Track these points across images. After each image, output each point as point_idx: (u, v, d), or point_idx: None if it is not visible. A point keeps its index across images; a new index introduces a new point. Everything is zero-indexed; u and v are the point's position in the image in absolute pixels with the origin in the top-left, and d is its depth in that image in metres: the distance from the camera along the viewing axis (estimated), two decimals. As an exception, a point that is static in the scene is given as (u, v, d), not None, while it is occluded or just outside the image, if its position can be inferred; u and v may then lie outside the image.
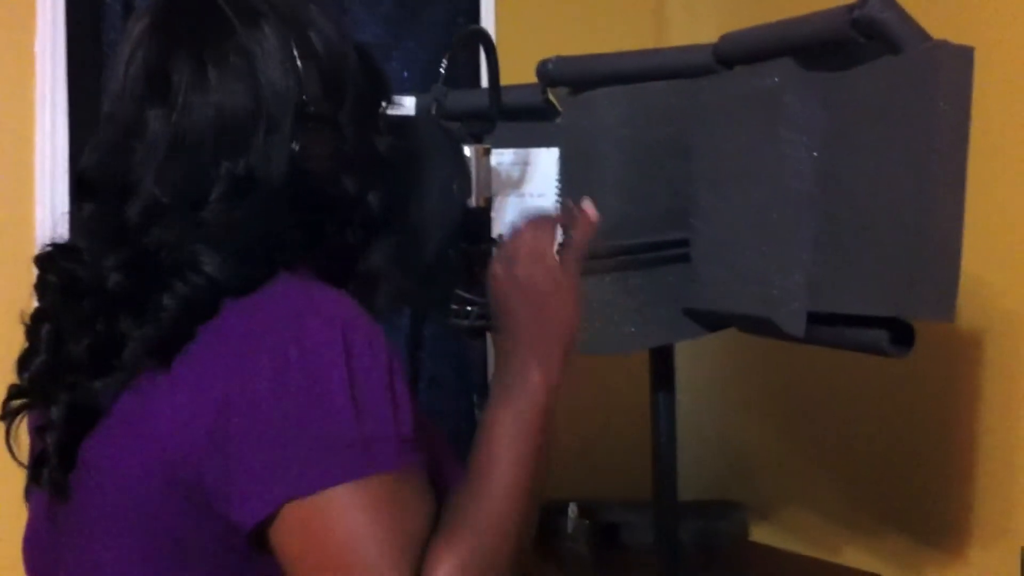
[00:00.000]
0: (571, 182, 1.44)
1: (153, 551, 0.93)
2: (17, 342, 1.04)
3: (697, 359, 2.20)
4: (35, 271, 1.05)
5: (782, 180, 1.27)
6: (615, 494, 2.13)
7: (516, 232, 1.09)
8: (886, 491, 1.99)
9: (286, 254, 0.98)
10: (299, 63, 0.99)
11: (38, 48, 1.89)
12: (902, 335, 1.23)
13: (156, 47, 1.00)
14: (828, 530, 2.11)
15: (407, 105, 1.43)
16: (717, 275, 1.35)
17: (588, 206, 1.09)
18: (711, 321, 1.42)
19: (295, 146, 0.98)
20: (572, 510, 1.89)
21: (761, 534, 2.24)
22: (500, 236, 1.14)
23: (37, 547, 1.06)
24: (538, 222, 1.09)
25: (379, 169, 1.05)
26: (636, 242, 1.39)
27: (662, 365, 1.60)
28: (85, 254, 0.99)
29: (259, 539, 0.91)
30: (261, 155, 0.97)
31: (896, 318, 1.21)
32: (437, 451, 1.02)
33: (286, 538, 0.89)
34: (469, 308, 1.35)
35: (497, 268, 1.07)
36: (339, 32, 1.04)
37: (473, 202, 1.24)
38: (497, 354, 1.07)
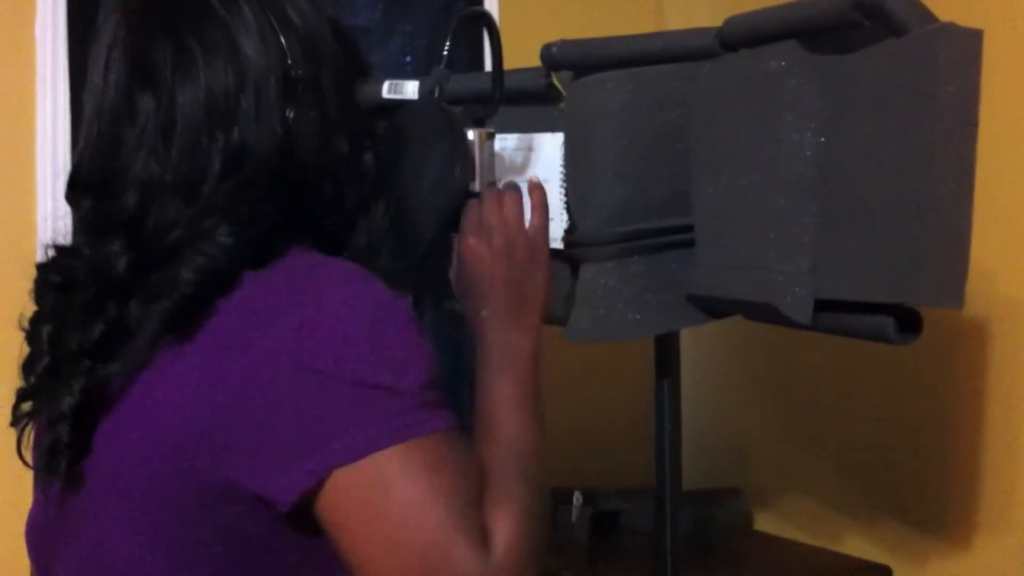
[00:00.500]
0: (574, 166, 1.43)
1: (167, 535, 0.92)
2: (18, 342, 1.03)
3: (699, 347, 2.20)
4: (34, 275, 1.04)
5: (785, 165, 1.25)
6: (616, 481, 2.13)
7: (484, 202, 1.13)
8: (889, 480, 1.98)
9: (289, 223, 0.98)
10: (281, 36, 0.99)
11: (38, 43, 1.88)
12: (908, 322, 1.22)
13: (135, 35, 1.00)
14: (830, 519, 2.10)
15: (410, 90, 1.42)
16: (720, 261, 1.34)
17: (532, 180, 1.18)
18: (715, 308, 1.41)
19: (289, 113, 0.98)
20: (577, 499, 1.89)
21: (762, 522, 2.24)
22: (465, 205, 1.15)
23: (40, 534, 1.05)
24: (504, 192, 1.14)
25: (369, 132, 1.06)
26: (638, 228, 1.38)
27: (666, 352, 1.59)
28: (86, 248, 0.99)
29: (298, 517, 0.90)
30: (252, 126, 0.97)
31: (901, 304, 1.20)
32: None
33: (337, 508, 0.88)
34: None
35: (469, 238, 1.10)
36: (312, 6, 1.04)
37: (476, 187, 1.23)
38: (472, 321, 1.09)
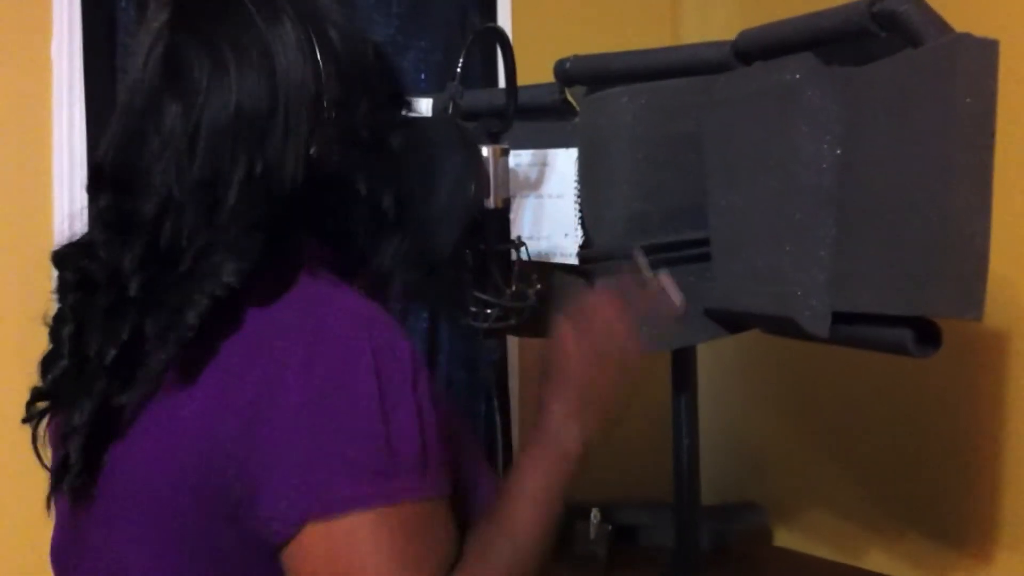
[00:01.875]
0: (588, 181, 1.42)
1: (176, 558, 0.92)
2: (35, 338, 1.03)
3: (716, 360, 2.19)
4: (55, 272, 1.04)
5: (802, 176, 1.25)
6: (634, 495, 2.12)
7: (591, 299, 1.09)
8: (909, 493, 1.97)
9: (302, 255, 0.97)
10: (319, 58, 0.98)
11: (54, 52, 1.89)
12: (927, 334, 1.21)
13: (176, 39, 0.98)
14: (850, 533, 2.09)
15: (423, 107, 1.42)
16: (737, 274, 1.33)
17: (669, 285, 1.11)
18: (732, 321, 1.40)
19: (312, 151, 0.97)
20: (595, 515, 1.87)
21: (782, 537, 2.22)
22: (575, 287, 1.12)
23: (64, 553, 1.05)
24: (612, 294, 1.09)
25: (392, 169, 1.05)
26: (654, 241, 1.38)
27: (683, 366, 1.58)
28: (101, 249, 0.98)
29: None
30: (278, 155, 0.95)
31: (920, 317, 1.19)
32: (463, 447, 1.01)
33: (302, 560, 0.87)
34: (488, 311, 1.34)
35: (566, 330, 1.07)
36: (356, 29, 1.03)
37: (491, 203, 1.23)
38: (541, 401, 1.06)
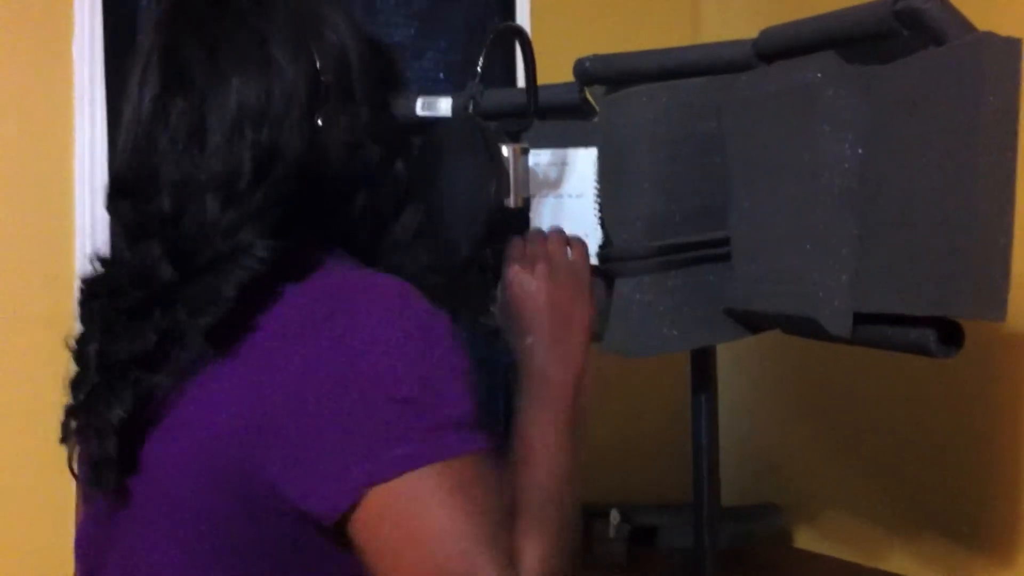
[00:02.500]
0: (608, 181, 1.42)
1: (213, 550, 0.93)
2: (56, 348, 1.04)
3: (735, 361, 2.18)
4: (77, 290, 1.04)
5: (823, 176, 1.24)
6: (652, 496, 2.11)
7: (529, 235, 1.15)
8: (931, 495, 1.96)
9: (323, 233, 0.99)
10: (311, 45, 1.00)
11: (76, 52, 1.90)
12: (949, 335, 1.20)
13: (169, 42, 1.01)
14: (869, 534, 2.08)
15: (443, 107, 1.42)
16: (758, 274, 1.32)
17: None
18: (752, 322, 1.40)
19: (317, 120, 0.99)
20: (614, 516, 1.87)
21: (801, 539, 2.22)
22: (509, 239, 1.17)
23: (88, 548, 1.06)
24: (538, 230, 1.17)
25: (403, 145, 1.07)
26: (675, 242, 1.37)
27: (703, 367, 1.58)
28: (128, 253, 0.99)
29: (338, 533, 0.90)
30: (282, 128, 0.97)
31: (943, 317, 1.18)
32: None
33: (367, 526, 0.88)
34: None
35: (514, 266, 1.11)
36: (348, 17, 1.05)
37: (511, 202, 1.22)
38: (517, 348, 1.10)
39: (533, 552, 0.91)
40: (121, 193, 1.02)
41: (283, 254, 0.94)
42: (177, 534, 0.94)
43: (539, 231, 1.17)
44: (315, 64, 1.00)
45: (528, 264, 1.12)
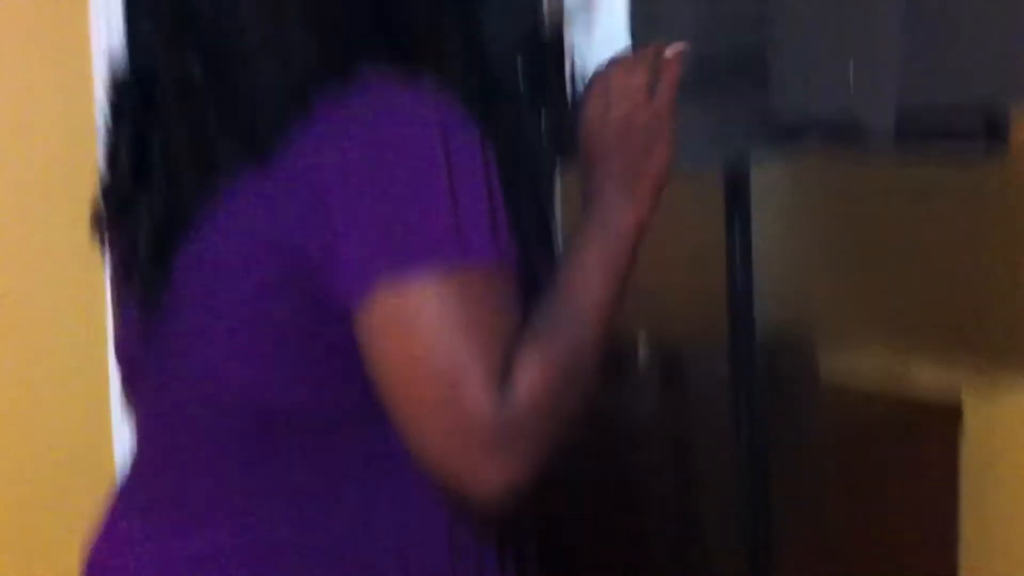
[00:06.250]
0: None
1: (258, 346, 0.93)
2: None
3: (765, 200, 2.16)
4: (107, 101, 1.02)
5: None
6: (685, 332, 2.12)
7: (605, 71, 1.07)
8: (960, 318, 1.96)
9: (367, 37, 0.96)
10: None
11: (94, 44, 1.87)
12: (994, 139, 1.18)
13: None
14: (898, 363, 2.09)
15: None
16: (799, 77, 1.29)
17: (674, 49, 1.07)
18: (789, 133, 1.37)
19: None
20: (642, 336, 1.87)
21: (828, 371, 2.23)
22: (585, 77, 1.10)
23: (134, 350, 1.05)
24: (626, 61, 1.07)
25: None
26: (711, 51, 1.34)
27: (738, 194, 1.56)
28: (156, 45, 0.97)
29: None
30: None
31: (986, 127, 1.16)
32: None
33: (374, 328, 0.88)
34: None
35: (589, 109, 1.05)
36: None
37: (545, 28, 1.19)
38: (585, 190, 1.04)
39: (531, 372, 0.88)
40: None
41: (323, 58, 0.92)
42: (219, 331, 0.94)
43: (623, 63, 1.07)
44: None
45: (605, 105, 1.04)
